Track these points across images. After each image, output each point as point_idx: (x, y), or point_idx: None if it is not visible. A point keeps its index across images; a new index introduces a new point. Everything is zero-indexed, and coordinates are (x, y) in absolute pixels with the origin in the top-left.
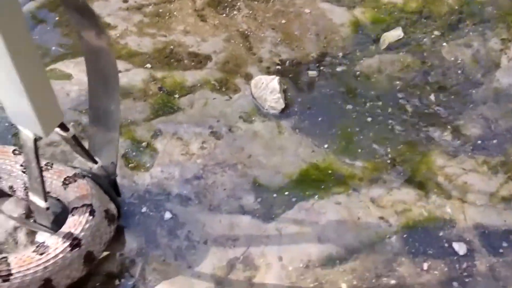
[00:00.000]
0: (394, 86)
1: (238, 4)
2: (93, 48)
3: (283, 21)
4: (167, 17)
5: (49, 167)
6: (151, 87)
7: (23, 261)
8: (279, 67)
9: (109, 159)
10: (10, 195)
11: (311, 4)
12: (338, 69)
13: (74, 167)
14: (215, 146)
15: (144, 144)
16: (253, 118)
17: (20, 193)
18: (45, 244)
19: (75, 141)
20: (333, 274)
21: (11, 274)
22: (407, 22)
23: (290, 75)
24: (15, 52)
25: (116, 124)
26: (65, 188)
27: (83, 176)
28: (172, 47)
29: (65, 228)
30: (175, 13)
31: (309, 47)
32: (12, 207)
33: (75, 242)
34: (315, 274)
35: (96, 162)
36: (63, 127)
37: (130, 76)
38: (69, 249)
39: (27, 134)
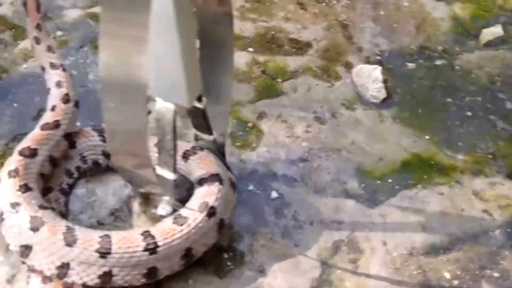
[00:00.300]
0: (494, 82)
1: None
2: (212, 16)
3: (382, 13)
4: (267, 3)
5: None
6: (254, 70)
7: (167, 233)
8: (378, 57)
9: (218, 131)
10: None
11: None
12: (437, 62)
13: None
14: (319, 131)
15: (250, 124)
16: (355, 106)
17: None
18: (182, 215)
19: (203, 113)
20: (437, 263)
21: (158, 246)
22: (507, 20)
23: (389, 66)
24: (181, 25)
25: (227, 97)
26: (185, 161)
27: (201, 148)
28: (273, 32)
29: (197, 199)
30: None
31: (407, 39)
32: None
33: (211, 211)
34: (418, 261)
35: (211, 134)
36: (199, 98)
37: (235, 58)
38: (206, 218)
39: (167, 106)
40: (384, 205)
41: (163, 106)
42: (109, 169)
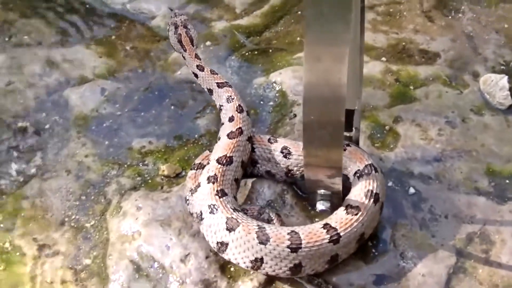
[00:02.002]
0: None
1: (462, 8)
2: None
3: (506, 25)
4: (397, 17)
5: None
6: (387, 78)
7: (346, 224)
8: (503, 67)
9: (354, 126)
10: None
11: None
12: None
13: None
14: (451, 134)
15: (387, 127)
16: (483, 112)
17: (279, 176)
18: (352, 205)
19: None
20: None
21: (340, 237)
22: None
23: None
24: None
25: (359, 94)
26: None
27: (348, 144)
28: (404, 43)
29: (360, 189)
30: (404, 13)
31: None
32: None
33: (376, 197)
34: None
35: (351, 130)
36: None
37: (370, 67)
38: (373, 204)
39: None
40: None
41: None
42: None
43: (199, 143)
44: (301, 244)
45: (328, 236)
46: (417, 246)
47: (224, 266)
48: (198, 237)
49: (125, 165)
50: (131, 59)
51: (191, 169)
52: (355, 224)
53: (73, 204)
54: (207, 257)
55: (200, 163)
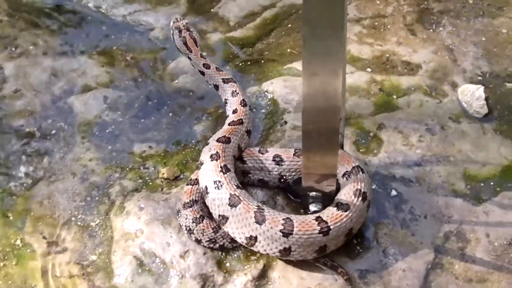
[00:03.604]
0: None
1: (443, 22)
2: None
3: (483, 39)
4: (382, 30)
5: None
6: (372, 88)
7: (336, 218)
8: (480, 78)
9: None
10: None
11: (508, 25)
12: None
13: None
14: (431, 140)
15: (371, 134)
16: (461, 120)
17: (272, 183)
18: (343, 202)
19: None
20: None
21: (330, 229)
22: None
23: (490, 86)
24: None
25: (343, 101)
26: None
27: None
28: (388, 55)
29: (350, 188)
30: (388, 26)
31: (506, 62)
32: None
33: (364, 195)
34: None
35: None
36: None
37: (355, 77)
38: (362, 202)
39: None
40: (487, 203)
41: None
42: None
43: (196, 148)
44: (293, 230)
45: (319, 227)
46: (398, 244)
47: (220, 262)
48: None
49: (127, 168)
50: (131, 69)
51: (187, 184)
52: (345, 219)
53: (79, 204)
54: (204, 254)
55: (196, 179)
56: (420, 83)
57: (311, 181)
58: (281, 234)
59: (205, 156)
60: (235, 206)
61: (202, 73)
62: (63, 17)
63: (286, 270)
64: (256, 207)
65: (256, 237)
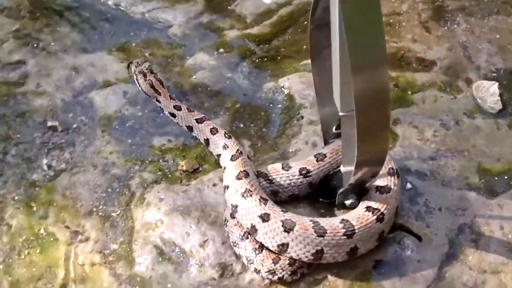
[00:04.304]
0: None
1: (458, 19)
2: None
3: (498, 36)
4: (397, 27)
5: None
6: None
7: (362, 220)
8: (494, 74)
9: None
10: None
11: None
12: None
13: None
14: (445, 135)
15: None
16: (475, 115)
17: (302, 195)
18: (370, 207)
19: None
20: None
21: (354, 232)
22: None
23: (504, 82)
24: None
25: None
26: None
27: None
28: (402, 52)
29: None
30: (403, 23)
31: None
32: None
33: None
34: None
35: None
36: None
37: None
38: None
39: None
40: (501, 196)
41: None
42: None
43: None
44: (326, 233)
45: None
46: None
47: None
48: (216, 226)
49: (147, 161)
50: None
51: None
52: (372, 222)
53: (100, 195)
54: (223, 243)
55: None
56: (434, 79)
57: (360, 174)
58: (346, 237)
59: (236, 196)
60: (292, 230)
61: (173, 115)
62: (83, 14)
63: None
64: (310, 221)
65: (287, 244)
